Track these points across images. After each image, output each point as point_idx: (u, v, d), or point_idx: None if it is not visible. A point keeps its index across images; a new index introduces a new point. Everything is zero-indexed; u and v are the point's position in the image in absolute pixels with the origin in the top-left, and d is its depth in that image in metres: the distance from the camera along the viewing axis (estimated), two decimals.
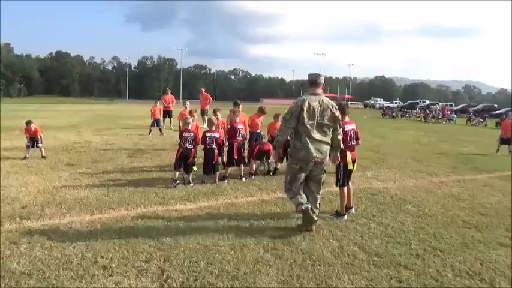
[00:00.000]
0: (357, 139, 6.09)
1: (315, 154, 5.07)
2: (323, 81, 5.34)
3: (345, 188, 5.90)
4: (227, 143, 8.37)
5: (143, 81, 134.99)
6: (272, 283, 3.80)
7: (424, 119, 39.54)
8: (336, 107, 5.32)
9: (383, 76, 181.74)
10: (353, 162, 5.97)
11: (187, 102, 11.60)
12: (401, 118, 44.32)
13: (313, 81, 5.28)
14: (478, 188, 8.16)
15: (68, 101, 71.33)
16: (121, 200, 6.41)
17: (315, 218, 5.23)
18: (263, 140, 9.79)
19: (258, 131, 10.06)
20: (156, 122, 16.19)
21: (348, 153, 5.83)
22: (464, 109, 53.11)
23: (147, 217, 5.61)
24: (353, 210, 6.09)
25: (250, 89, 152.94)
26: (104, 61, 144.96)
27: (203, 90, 19.53)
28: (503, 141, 14.32)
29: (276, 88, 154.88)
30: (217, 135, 8.05)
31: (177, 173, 7.60)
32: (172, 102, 18.40)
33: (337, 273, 4.05)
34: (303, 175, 5.20)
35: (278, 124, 9.54)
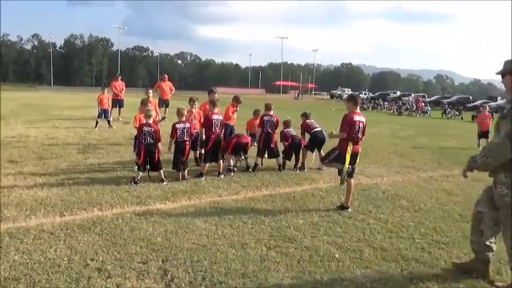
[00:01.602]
0: (362, 134, 6.60)
1: None
2: None
3: (351, 180, 6.49)
4: (204, 136, 8.65)
5: (71, 65, 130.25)
6: (285, 279, 4.19)
7: (397, 111, 41.64)
8: None
9: (350, 63, 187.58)
10: (355, 156, 6.51)
11: (150, 91, 11.67)
12: (373, 110, 46.32)
13: None
14: (467, 182, 8.86)
15: None
16: (91, 200, 6.52)
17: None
18: (238, 133, 10.14)
19: (233, 124, 10.41)
20: (103, 113, 15.99)
21: (350, 144, 6.34)
22: (438, 101, 56.55)
23: (127, 218, 5.79)
24: (350, 209, 6.62)
25: (200, 75, 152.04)
26: (22, 39, 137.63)
27: (166, 77, 19.43)
28: (481, 135, 15.64)
29: (230, 75, 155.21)
30: (188, 126, 8.29)
31: (141, 173, 7.77)
32: (122, 90, 18.24)
33: (347, 267, 4.52)
34: None
35: (257, 121, 9.98)
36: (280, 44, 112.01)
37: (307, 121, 10.15)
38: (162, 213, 6.08)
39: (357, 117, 6.45)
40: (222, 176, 8.57)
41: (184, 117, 8.49)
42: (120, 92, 18.14)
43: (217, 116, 8.59)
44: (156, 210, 6.21)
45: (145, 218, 5.79)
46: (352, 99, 6.61)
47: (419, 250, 5.10)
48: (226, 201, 6.86)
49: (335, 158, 6.51)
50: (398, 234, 5.62)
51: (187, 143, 8.27)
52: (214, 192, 7.38)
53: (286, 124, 10.11)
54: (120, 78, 18.67)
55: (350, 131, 6.33)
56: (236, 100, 10.31)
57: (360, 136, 6.53)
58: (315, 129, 9.91)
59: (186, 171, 8.33)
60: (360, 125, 6.46)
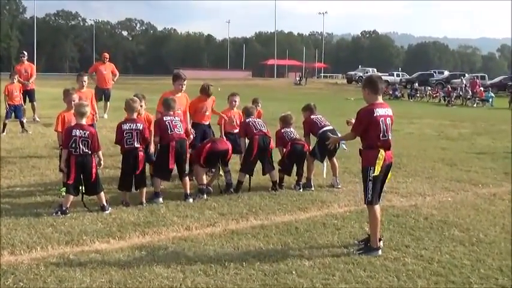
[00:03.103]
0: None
1: None
2: None
3: (377, 207, 6.52)
4: (154, 142, 8.92)
5: None
6: None
7: (445, 99, 42.20)
8: None
9: (374, 31, 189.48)
10: (388, 168, 6.58)
11: (85, 78, 11.74)
12: (410, 99, 46.95)
13: None
14: None
15: None
16: None
17: None
18: (215, 137, 10.23)
19: (206, 123, 10.49)
20: (14, 112, 15.95)
21: (381, 151, 6.38)
22: (504, 83, 57.15)
23: (53, 264, 5.81)
24: (381, 243, 6.71)
25: (156, 53, 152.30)
26: None
27: (106, 56, 19.39)
28: None
29: (200, 52, 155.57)
30: (140, 126, 8.40)
31: (71, 198, 7.81)
32: (31, 75, 18.22)
33: None
34: None
35: (233, 113, 10.11)
36: (272, 4, 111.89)
37: (312, 117, 10.28)
38: (104, 256, 6.09)
39: (380, 111, 6.45)
40: (191, 199, 8.63)
41: (135, 113, 8.55)
42: (28, 80, 18.06)
43: (171, 118, 8.83)
44: (95, 252, 6.22)
45: (79, 264, 5.81)
46: (369, 85, 6.56)
47: None
48: (197, 236, 6.90)
49: (375, 182, 6.41)
50: (449, 278, 5.71)
51: (140, 150, 8.32)
52: (179, 223, 7.42)
53: (285, 121, 10.24)
54: (25, 58, 18.61)
55: (374, 133, 6.36)
56: (204, 92, 10.40)
57: (390, 138, 6.56)
58: (324, 128, 9.98)
59: (143, 193, 8.41)
60: (388, 122, 6.49)
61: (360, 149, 6.62)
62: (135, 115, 8.53)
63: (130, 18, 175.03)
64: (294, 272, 5.77)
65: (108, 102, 19.29)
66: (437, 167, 12.41)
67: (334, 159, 10.06)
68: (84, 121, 8.11)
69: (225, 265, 5.90)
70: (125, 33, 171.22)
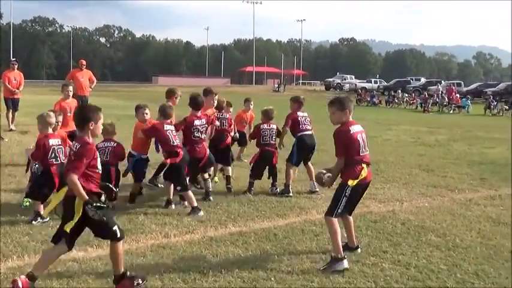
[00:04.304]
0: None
1: None
2: None
3: (335, 220, 6.31)
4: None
5: None
6: None
7: (422, 106, 42.59)
8: None
9: (352, 39, 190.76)
10: (366, 188, 6.58)
11: (70, 87, 11.69)
12: (387, 106, 47.31)
13: None
14: None
15: None
16: None
17: None
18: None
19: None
20: None
21: (365, 168, 6.34)
22: (479, 90, 57.96)
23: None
24: (359, 249, 6.75)
25: (134, 59, 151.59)
26: None
27: (83, 63, 19.27)
28: None
29: (179, 58, 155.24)
30: (113, 145, 8.70)
31: (41, 207, 7.73)
32: (20, 84, 18.09)
33: None
34: None
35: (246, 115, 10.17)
36: (250, 11, 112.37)
37: (298, 113, 10.15)
38: (82, 264, 6.06)
39: (355, 127, 6.40)
40: (173, 205, 8.66)
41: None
42: (17, 88, 17.92)
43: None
44: (72, 260, 6.17)
45: (56, 273, 5.76)
46: (341, 107, 6.45)
47: None
48: (176, 244, 6.88)
49: (350, 197, 6.34)
50: (425, 283, 5.77)
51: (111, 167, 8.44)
52: (158, 231, 7.40)
53: (267, 115, 10.27)
54: (16, 66, 18.47)
55: (353, 150, 6.27)
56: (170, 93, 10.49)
57: (366, 153, 6.45)
58: (304, 133, 9.98)
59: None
60: (363, 137, 6.45)
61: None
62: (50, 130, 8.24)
63: (108, 25, 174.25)
64: (272, 279, 5.78)
65: None
66: (415, 173, 12.52)
67: (309, 164, 10.11)
68: (50, 130, 8.15)
69: (203, 272, 5.90)
70: (102, 39, 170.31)
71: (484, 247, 7.04)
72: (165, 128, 8.63)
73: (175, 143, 8.62)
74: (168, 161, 8.50)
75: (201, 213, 8.29)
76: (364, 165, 6.31)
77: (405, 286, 5.69)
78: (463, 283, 5.81)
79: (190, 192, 8.50)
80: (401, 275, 5.97)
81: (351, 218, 6.71)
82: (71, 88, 11.56)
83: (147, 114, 9.33)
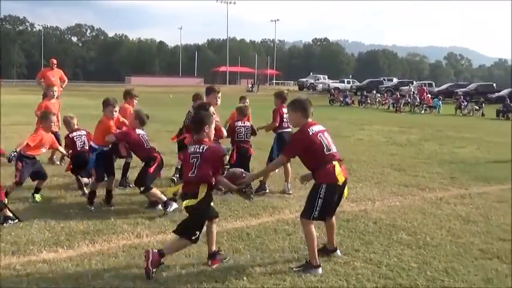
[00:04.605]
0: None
1: None
2: None
3: (312, 225, 6.23)
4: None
5: None
6: None
7: (394, 106, 43.01)
8: None
9: (326, 39, 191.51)
10: (344, 186, 6.39)
11: (54, 88, 11.64)
12: (360, 106, 47.65)
13: None
14: (490, 205, 9.52)
15: None
16: None
17: None
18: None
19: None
20: None
21: (336, 164, 6.21)
22: (450, 91, 58.87)
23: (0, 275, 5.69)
24: (338, 252, 6.70)
25: (107, 59, 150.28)
26: None
27: (54, 62, 19.06)
28: None
29: (152, 58, 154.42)
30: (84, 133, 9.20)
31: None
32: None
33: None
34: None
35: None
36: (224, 11, 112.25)
37: (283, 109, 10.02)
38: (52, 265, 6.01)
39: (314, 128, 6.31)
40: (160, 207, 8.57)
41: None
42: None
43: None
44: (43, 261, 6.12)
45: (26, 275, 5.71)
46: (302, 109, 6.41)
47: None
48: (148, 244, 6.85)
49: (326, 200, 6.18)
50: (396, 281, 5.83)
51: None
52: (130, 231, 7.37)
53: (242, 113, 10.28)
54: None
55: (316, 151, 6.17)
56: (129, 94, 10.43)
57: (336, 151, 6.34)
58: (285, 130, 10.01)
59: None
60: (326, 136, 6.31)
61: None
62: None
63: (80, 24, 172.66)
64: (245, 278, 5.80)
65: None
66: (386, 172, 12.65)
67: (288, 164, 10.11)
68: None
69: (176, 272, 5.90)
70: (74, 39, 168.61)
71: (453, 245, 7.15)
72: (137, 132, 8.59)
73: (149, 146, 8.59)
74: (151, 170, 8.44)
75: (175, 204, 8.20)
76: (335, 163, 6.17)
77: (376, 284, 5.75)
78: (433, 281, 5.88)
79: (154, 189, 8.45)
80: (373, 273, 6.03)
81: (333, 220, 6.59)
82: (55, 89, 11.56)
83: (116, 112, 9.07)
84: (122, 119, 9.74)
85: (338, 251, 6.69)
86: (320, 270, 6.03)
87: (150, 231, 7.43)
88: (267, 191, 9.82)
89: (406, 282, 5.83)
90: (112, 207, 8.57)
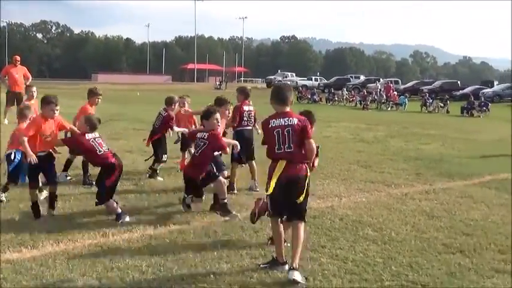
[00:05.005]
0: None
1: None
2: None
3: (275, 222, 6.23)
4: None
5: None
6: None
7: (361, 103, 43.38)
8: None
9: (293, 36, 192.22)
10: (291, 186, 6.09)
11: (34, 88, 11.54)
12: (327, 103, 47.95)
13: None
14: (454, 200, 9.71)
15: None
16: None
17: None
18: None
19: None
20: None
21: (280, 164, 6.05)
22: (416, 88, 59.72)
23: None
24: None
25: (73, 56, 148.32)
26: None
27: (17, 59, 18.83)
28: None
29: (119, 55, 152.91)
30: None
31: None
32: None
33: None
34: None
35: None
36: (192, 8, 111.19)
37: (244, 107, 9.98)
38: (16, 266, 5.94)
39: (277, 121, 6.11)
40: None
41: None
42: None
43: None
44: (6, 261, 6.05)
45: None
46: (272, 94, 6.31)
47: None
48: (114, 242, 6.83)
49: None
50: (362, 276, 5.90)
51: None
52: (96, 230, 7.30)
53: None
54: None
55: (270, 145, 6.13)
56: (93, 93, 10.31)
57: (292, 150, 6.02)
58: (245, 128, 9.94)
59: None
60: (286, 133, 6.02)
61: None
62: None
63: (46, 21, 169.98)
64: (212, 276, 5.80)
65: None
66: (353, 168, 12.77)
67: (253, 162, 10.10)
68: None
69: (142, 271, 5.88)
70: (39, 35, 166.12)
71: (418, 240, 7.27)
72: (87, 137, 7.89)
73: (101, 151, 7.88)
74: (108, 183, 7.84)
75: (127, 218, 7.83)
76: (279, 162, 6.01)
77: (342, 280, 5.80)
78: (398, 275, 5.97)
79: (110, 201, 7.90)
80: (339, 269, 6.09)
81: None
82: (35, 89, 11.42)
83: (57, 110, 8.08)
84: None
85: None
86: (286, 266, 6.00)
87: (116, 229, 7.37)
88: (235, 191, 9.77)
89: (371, 277, 5.90)
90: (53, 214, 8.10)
